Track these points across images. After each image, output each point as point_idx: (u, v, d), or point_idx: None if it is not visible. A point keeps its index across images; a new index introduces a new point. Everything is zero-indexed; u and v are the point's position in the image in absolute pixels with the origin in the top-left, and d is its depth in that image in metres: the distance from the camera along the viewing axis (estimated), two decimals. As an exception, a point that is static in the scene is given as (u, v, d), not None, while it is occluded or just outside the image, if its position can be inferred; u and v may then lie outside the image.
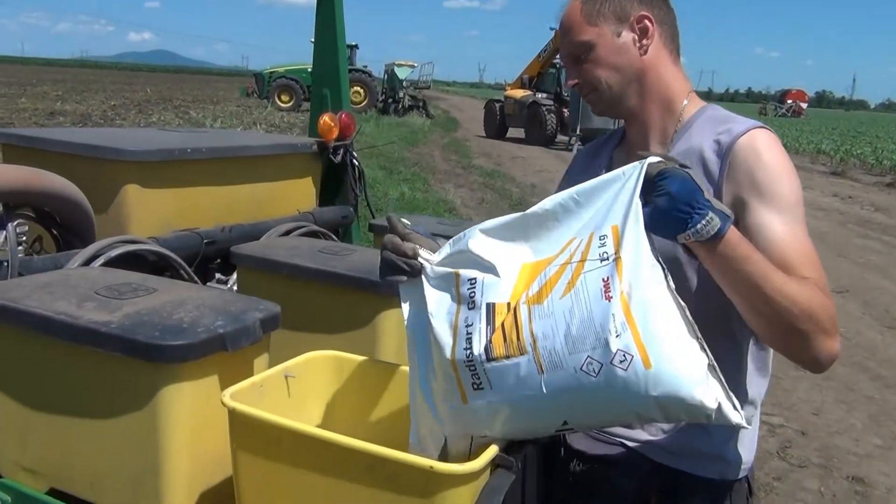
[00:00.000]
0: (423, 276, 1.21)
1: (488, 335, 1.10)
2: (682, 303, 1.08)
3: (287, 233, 2.56)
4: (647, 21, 1.40)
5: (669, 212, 1.10)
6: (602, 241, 1.08)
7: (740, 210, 1.29)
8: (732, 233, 1.14)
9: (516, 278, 1.15)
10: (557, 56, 18.20)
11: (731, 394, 1.06)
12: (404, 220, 1.27)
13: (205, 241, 2.37)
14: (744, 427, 1.08)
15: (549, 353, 1.05)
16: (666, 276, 1.08)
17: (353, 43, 28.10)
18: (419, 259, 1.22)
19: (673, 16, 1.46)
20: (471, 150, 18.53)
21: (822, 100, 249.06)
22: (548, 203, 1.18)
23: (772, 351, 1.42)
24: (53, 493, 1.39)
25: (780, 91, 75.54)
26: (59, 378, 1.35)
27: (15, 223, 1.92)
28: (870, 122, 66.89)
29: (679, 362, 1.02)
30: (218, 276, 2.50)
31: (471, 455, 1.15)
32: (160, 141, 2.52)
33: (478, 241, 1.18)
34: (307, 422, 1.28)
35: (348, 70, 3.36)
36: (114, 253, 1.96)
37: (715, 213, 1.11)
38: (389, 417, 1.44)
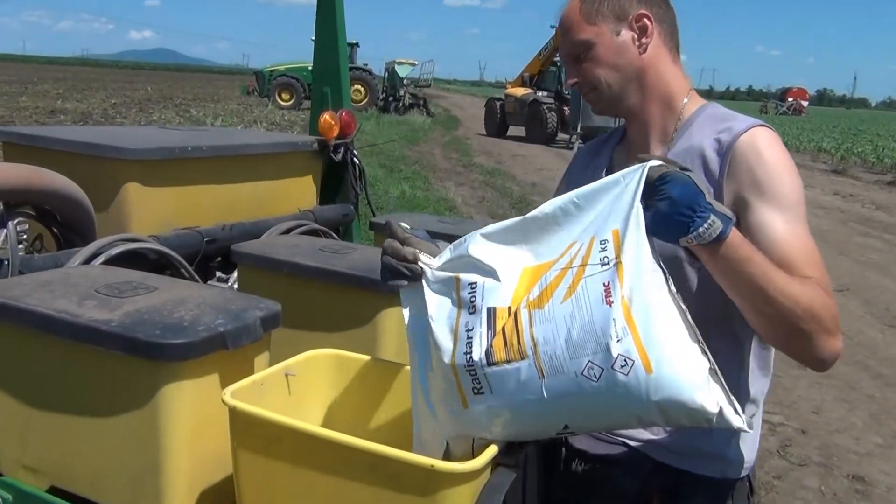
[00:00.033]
0: (423, 281, 1.21)
1: (489, 339, 1.10)
2: (684, 307, 1.08)
3: (288, 231, 2.56)
4: (646, 19, 1.40)
5: (671, 216, 1.09)
6: (603, 246, 1.08)
7: (741, 209, 1.29)
8: (734, 235, 1.13)
9: (517, 282, 1.14)
10: (558, 54, 18.18)
11: (733, 397, 1.06)
12: (404, 225, 1.27)
13: (205, 239, 2.37)
14: (745, 431, 1.08)
15: (550, 357, 1.05)
16: (667, 280, 1.08)
17: (354, 41, 28.08)
18: (419, 263, 1.22)
19: (672, 14, 1.45)
20: (471, 148, 18.53)
21: (823, 98, 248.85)
22: (548, 207, 1.17)
23: (773, 350, 1.42)
24: (54, 491, 1.39)
25: (780, 89, 75.46)
26: (59, 376, 1.35)
27: (15, 221, 1.92)
28: (871, 120, 66.85)
29: (680, 367, 1.02)
30: (218, 274, 2.50)
31: (473, 455, 1.15)
32: (161, 139, 2.52)
33: (479, 245, 1.18)
34: (308, 420, 1.28)
35: (349, 68, 3.36)
36: (114, 251, 1.96)
37: (717, 215, 1.10)
38: (390, 416, 1.44)
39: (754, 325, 1.23)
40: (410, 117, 25.73)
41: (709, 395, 1.03)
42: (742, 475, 1.42)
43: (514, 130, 22.53)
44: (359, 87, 26.76)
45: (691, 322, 1.07)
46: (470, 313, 1.14)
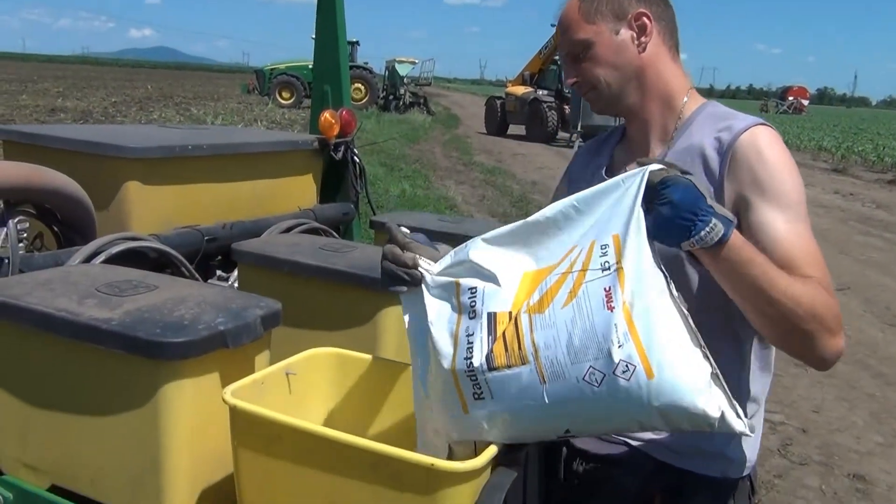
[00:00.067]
0: (423, 286, 1.21)
1: (489, 344, 1.10)
2: (686, 311, 1.07)
3: (288, 230, 2.56)
4: (645, 18, 1.40)
5: (673, 220, 1.09)
6: (603, 251, 1.08)
7: (742, 208, 1.29)
8: (736, 237, 1.13)
9: (517, 287, 1.14)
10: (558, 53, 18.17)
11: (735, 401, 1.06)
12: (404, 230, 1.27)
13: (206, 237, 2.37)
14: (747, 435, 1.07)
15: (551, 363, 1.05)
16: (668, 284, 1.07)
17: (354, 39, 28.08)
18: (419, 269, 1.21)
19: (671, 12, 1.45)
20: (472, 146, 18.52)
21: (823, 97, 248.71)
22: (548, 211, 1.17)
23: (774, 348, 1.41)
24: (54, 489, 1.39)
25: (781, 88, 75.41)
26: (60, 375, 1.35)
27: (16, 220, 1.92)
28: (871, 119, 66.81)
29: (682, 371, 1.02)
30: (219, 273, 2.50)
31: (475, 454, 1.15)
32: (161, 138, 2.52)
33: (479, 250, 1.18)
34: (308, 419, 1.28)
35: (349, 67, 3.36)
36: (115, 250, 1.96)
37: (718, 218, 1.10)
38: (390, 415, 1.44)
39: (756, 325, 1.23)
40: (411, 116, 25.72)
41: (710, 400, 1.02)
42: (743, 474, 1.42)
43: (514, 129, 22.52)
44: (359, 85, 26.75)
45: (693, 326, 1.07)
46: (470, 318, 1.14)
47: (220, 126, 12.63)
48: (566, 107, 20.11)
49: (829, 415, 4.12)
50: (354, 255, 1.94)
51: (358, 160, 3.13)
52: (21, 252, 1.90)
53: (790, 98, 65.66)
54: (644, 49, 1.41)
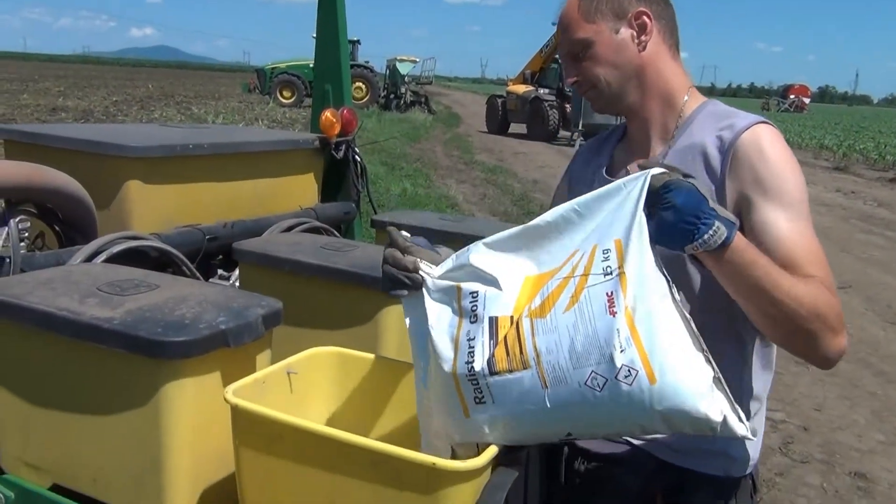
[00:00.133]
0: (423, 290, 1.21)
1: (491, 349, 1.10)
2: (688, 315, 1.07)
3: (289, 229, 2.56)
4: (645, 17, 1.39)
5: (676, 224, 1.09)
6: (605, 255, 1.07)
7: (744, 207, 1.28)
8: (739, 239, 1.13)
9: (519, 291, 1.14)
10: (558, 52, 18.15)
11: (737, 405, 1.06)
12: (404, 234, 1.27)
13: (207, 237, 2.37)
14: (749, 439, 1.07)
15: (553, 367, 1.05)
16: (671, 289, 1.07)
17: (355, 38, 28.07)
18: (420, 272, 1.21)
19: (671, 11, 1.45)
20: (473, 145, 18.51)
21: (824, 95, 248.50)
22: (549, 216, 1.17)
23: (775, 346, 1.41)
24: (56, 489, 1.39)
25: (782, 86, 75.31)
26: (61, 374, 1.35)
27: (17, 219, 1.92)
28: (873, 117, 66.74)
29: (684, 376, 1.01)
30: (220, 272, 2.50)
31: (477, 454, 1.15)
32: (162, 137, 2.52)
33: (480, 254, 1.18)
34: (309, 418, 1.28)
35: (350, 66, 3.36)
36: (116, 249, 1.96)
37: (721, 221, 1.10)
38: (391, 414, 1.44)
39: (759, 325, 1.23)
40: (412, 115, 25.71)
41: (713, 404, 1.02)
42: (745, 473, 1.42)
43: (515, 128, 22.51)
44: (360, 84, 26.75)
45: (695, 330, 1.06)
46: (471, 322, 1.14)
47: (221, 125, 12.63)
48: (567, 105, 20.10)
49: (830, 413, 4.12)
50: (356, 254, 1.94)
51: (359, 159, 3.13)
52: (22, 251, 1.90)
53: (791, 96, 65.58)
54: (644, 48, 1.40)
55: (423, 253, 1.24)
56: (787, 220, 1.26)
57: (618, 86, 1.42)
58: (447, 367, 1.12)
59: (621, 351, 1.01)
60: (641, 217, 1.08)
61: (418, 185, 10.60)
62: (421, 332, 1.20)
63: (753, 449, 1.42)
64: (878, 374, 4.73)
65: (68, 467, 1.38)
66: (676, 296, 1.08)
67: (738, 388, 1.34)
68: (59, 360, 1.34)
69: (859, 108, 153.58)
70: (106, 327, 1.25)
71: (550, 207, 1.36)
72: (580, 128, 17.82)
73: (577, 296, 1.06)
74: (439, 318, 1.17)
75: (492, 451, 1.11)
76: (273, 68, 27.55)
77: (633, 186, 1.11)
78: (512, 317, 1.11)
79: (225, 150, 2.58)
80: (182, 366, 1.25)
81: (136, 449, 1.29)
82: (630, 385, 1.00)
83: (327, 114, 2.95)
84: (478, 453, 1.13)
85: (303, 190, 2.93)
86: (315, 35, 3.18)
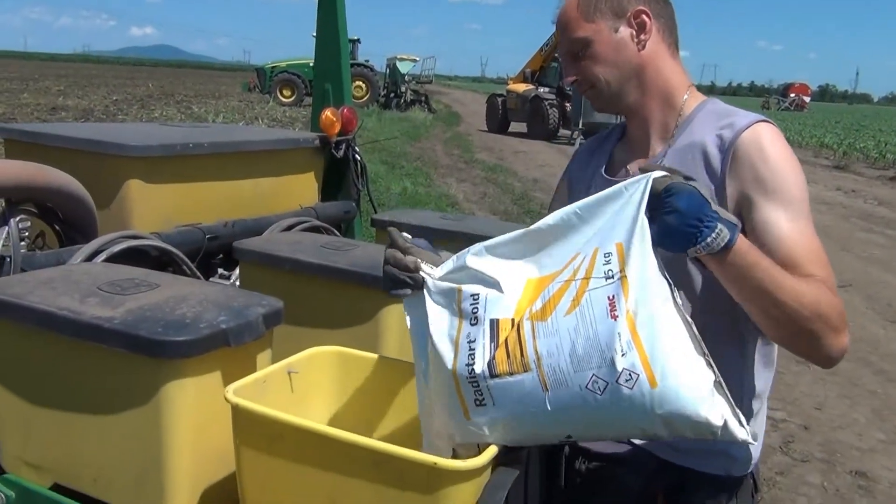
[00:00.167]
0: (424, 290, 1.21)
1: (492, 351, 1.10)
2: (689, 319, 1.07)
3: (289, 228, 2.56)
4: (644, 16, 1.39)
5: (679, 228, 1.08)
6: (607, 259, 1.07)
7: (745, 207, 1.28)
8: (741, 241, 1.13)
9: (521, 294, 1.14)
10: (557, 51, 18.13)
11: (738, 410, 1.06)
12: (405, 234, 1.27)
13: (207, 236, 2.37)
14: (750, 443, 1.07)
15: (554, 370, 1.05)
16: (672, 292, 1.07)
17: (355, 37, 28.06)
18: (421, 273, 1.21)
19: (671, 9, 1.45)
20: (473, 144, 18.51)
21: (825, 93, 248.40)
22: (550, 219, 1.17)
23: (776, 345, 1.41)
24: (57, 488, 1.39)
25: (782, 85, 75.22)
26: (62, 374, 1.35)
27: (17, 219, 1.92)
28: (873, 115, 66.71)
29: (685, 380, 1.01)
30: (220, 271, 2.50)
31: (478, 454, 1.15)
32: (162, 136, 2.52)
33: (481, 257, 1.18)
34: (310, 418, 1.28)
35: (350, 64, 3.35)
36: (116, 248, 1.96)
37: (723, 224, 1.10)
38: (392, 413, 1.44)
39: (761, 326, 1.23)
40: (412, 114, 25.71)
41: (713, 409, 1.02)
42: (746, 472, 1.42)
43: (515, 127, 22.50)
44: (360, 83, 26.75)
45: (697, 334, 1.06)
46: (472, 325, 1.13)
47: (221, 124, 12.63)
48: (567, 104, 20.08)
49: (830, 412, 4.12)
50: (356, 253, 1.94)
51: (359, 158, 3.13)
52: (23, 251, 1.90)
53: (792, 95, 65.53)
54: (643, 47, 1.40)
55: (424, 254, 1.24)
56: (788, 220, 1.26)
57: (617, 85, 1.42)
58: (447, 369, 1.12)
59: (622, 355, 1.01)
60: (643, 220, 1.08)
61: (418, 183, 10.60)
62: (422, 332, 1.20)
63: (754, 448, 1.42)
64: (878, 373, 4.73)
65: (69, 467, 1.38)
66: (678, 299, 1.07)
67: (739, 388, 1.34)
68: (60, 360, 1.34)
69: (860, 106, 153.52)
70: (106, 327, 1.25)
71: (550, 207, 1.36)
72: (580, 127, 17.81)
73: (578, 299, 1.06)
74: (439, 319, 1.17)
75: (492, 450, 1.11)
76: (273, 67, 27.54)
77: (634, 190, 1.10)
78: (513, 319, 1.11)
79: (225, 150, 2.58)
80: (183, 365, 1.25)
81: (136, 448, 1.29)
82: (631, 389, 1.00)
83: (327, 113, 2.95)
84: (478, 453, 1.13)
85: (303, 189, 2.93)
86: (315, 34, 3.18)
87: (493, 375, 1.08)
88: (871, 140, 25.21)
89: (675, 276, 1.10)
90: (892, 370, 4.79)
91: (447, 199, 9.66)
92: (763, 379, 1.42)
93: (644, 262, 1.06)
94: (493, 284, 1.15)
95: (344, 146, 3.03)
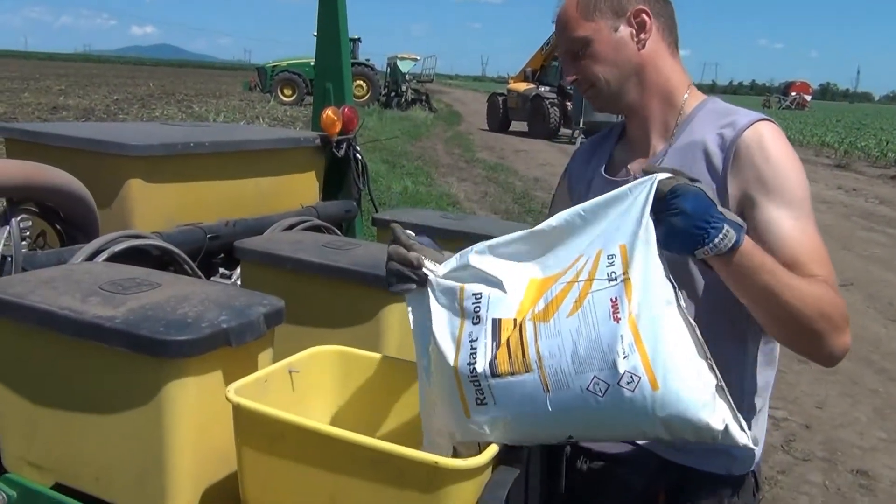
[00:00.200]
0: (427, 288, 1.20)
1: (493, 351, 1.10)
2: (693, 322, 1.07)
3: (290, 227, 2.56)
4: (644, 15, 1.39)
5: (686, 230, 1.08)
6: (610, 261, 1.07)
7: (747, 206, 1.28)
8: (747, 242, 1.13)
9: (523, 294, 1.14)
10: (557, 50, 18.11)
11: (739, 414, 1.06)
12: (408, 232, 1.27)
13: (208, 235, 2.36)
14: (751, 447, 1.07)
15: (556, 371, 1.05)
16: (676, 295, 1.07)
17: (356, 36, 28.06)
18: (424, 269, 1.21)
19: (670, 8, 1.44)
20: (474, 143, 18.51)
21: (826, 92, 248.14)
22: (554, 220, 1.17)
23: (778, 343, 1.41)
24: (59, 487, 1.39)
25: (783, 83, 75.16)
26: (63, 373, 1.35)
27: (18, 218, 1.92)
28: (874, 114, 66.65)
29: (686, 384, 1.01)
30: (222, 270, 2.50)
31: (479, 452, 1.15)
32: (163, 135, 2.52)
33: (484, 256, 1.18)
34: (311, 417, 1.28)
35: (351, 64, 3.35)
36: (117, 248, 1.96)
37: (730, 225, 1.09)
38: (393, 412, 1.44)
39: (764, 325, 1.23)
40: (413, 113, 25.71)
41: (714, 413, 1.02)
42: (748, 471, 1.42)
43: (516, 126, 22.49)
44: (361, 82, 26.75)
45: (700, 338, 1.06)
46: (474, 324, 1.13)
47: (222, 123, 12.63)
48: (568, 103, 20.07)
49: (832, 411, 4.12)
50: (357, 252, 1.94)
51: (360, 157, 3.12)
52: (24, 250, 1.90)
53: (793, 93, 65.47)
54: (643, 46, 1.40)
55: (427, 251, 1.24)
56: (790, 219, 1.25)
57: (617, 84, 1.41)
58: (449, 365, 1.13)
59: (624, 357, 1.01)
60: (648, 222, 1.07)
61: (419, 183, 10.60)
62: (425, 329, 1.20)
63: (756, 447, 1.42)
64: (879, 372, 4.73)
65: (71, 466, 1.38)
66: (682, 302, 1.07)
67: (740, 386, 1.34)
68: (62, 359, 1.34)
69: (861, 105, 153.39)
70: (108, 326, 1.25)
71: (551, 206, 1.36)
72: (581, 125, 17.80)
73: (580, 301, 1.06)
74: (441, 317, 1.17)
75: (493, 449, 1.11)
76: (274, 66, 27.54)
77: (639, 192, 1.10)
78: (515, 319, 1.11)
79: (226, 149, 2.58)
80: (184, 365, 1.25)
81: (138, 448, 1.29)
82: (632, 391, 1.00)
83: (328, 112, 2.95)
84: (479, 452, 1.13)
85: (304, 188, 2.93)
86: (316, 33, 3.18)
87: (494, 375, 1.08)
88: (873, 139, 25.18)
89: (677, 276, 1.10)
90: (893, 369, 4.79)
91: (448, 199, 9.66)
92: (765, 377, 1.41)
93: (648, 264, 1.05)
94: (496, 284, 1.15)
95: (345, 145, 3.03)
